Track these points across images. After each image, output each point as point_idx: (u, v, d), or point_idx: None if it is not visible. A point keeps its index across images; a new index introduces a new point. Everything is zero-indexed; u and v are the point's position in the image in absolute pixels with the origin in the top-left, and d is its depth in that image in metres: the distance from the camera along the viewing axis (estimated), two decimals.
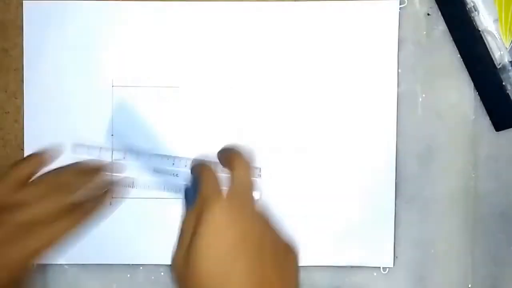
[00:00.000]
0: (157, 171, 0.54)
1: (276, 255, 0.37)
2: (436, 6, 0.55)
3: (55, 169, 0.48)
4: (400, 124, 0.55)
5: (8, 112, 0.56)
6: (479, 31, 0.54)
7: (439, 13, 0.55)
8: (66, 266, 0.56)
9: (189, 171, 0.41)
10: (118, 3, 0.55)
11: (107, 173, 0.51)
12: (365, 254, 0.55)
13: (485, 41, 0.54)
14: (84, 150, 0.55)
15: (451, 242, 0.56)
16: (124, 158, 0.55)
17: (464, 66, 0.55)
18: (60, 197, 0.46)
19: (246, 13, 0.55)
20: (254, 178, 0.39)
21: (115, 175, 0.54)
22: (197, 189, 0.38)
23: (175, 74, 0.55)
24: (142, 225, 0.55)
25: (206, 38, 0.55)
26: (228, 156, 0.40)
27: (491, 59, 0.54)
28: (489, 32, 0.54)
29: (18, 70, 0.55)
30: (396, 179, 0.55)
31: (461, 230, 0.56)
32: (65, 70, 0.55)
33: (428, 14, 0.55)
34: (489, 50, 0.54)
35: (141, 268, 0.56)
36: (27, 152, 0.55)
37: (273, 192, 0.55)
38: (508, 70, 0.54)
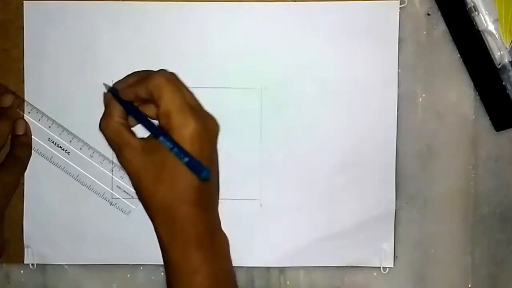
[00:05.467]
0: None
1: None
2: (436, 6, 0.55)
3: None
4: (400, 124, 0.55)
5: None
6: (479, 31, 0.54)
7: (439, 13, 0.55)
8: (66, 266, 0.56)
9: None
10: (118, 4, 0.55)
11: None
12: (365, 254, 0.55)
13: (485, 41, 0.54)
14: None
15: (451, 242, 0.56)
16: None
17: (464, 66, 0.55)
18: None
19: (245, 14, 0.55)
20: None
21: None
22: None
23: None
24: (142, 225, 0.55)
25: (207, 38, 0.55)
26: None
27: (491, 59, 0.54)
28: (489, 32, 0.54)
29: (18, 70, 0.55)
30: (396, 179, 0.55)
31: (461, 230, 0.56)
32: (65, 70, 0.55)
33: (428, 14, 0.55)
34: (489, 50, 0.54)
35: (141, 268, 0.56)
36: None
37: (273, 192, 0.55)
38: (508, 70, 0.54)
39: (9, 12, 0.55)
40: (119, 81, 0.50)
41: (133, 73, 0.50)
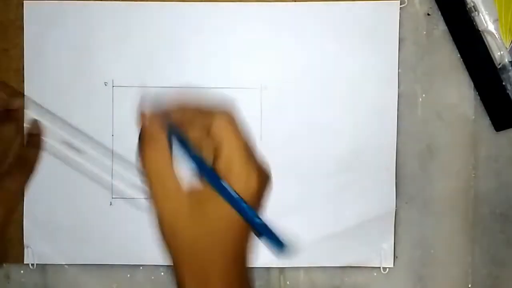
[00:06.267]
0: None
1: None
2: (436, 6, 0.55)
3: None
4: (400, 124, 0.55)
5: None
6: (479, 31, 0.54)
7: (439, 13, 0.55)
8: (66, 266, 0.56)
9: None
10: (118, 4, 0.55)
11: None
12: (365, 254, 0.55)
13: (485, 41, 0.54)
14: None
15: (451, 242, 0.56)
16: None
17: (464, 66, 0.55)
18: None
19: (246, 14, 0.55)
20: None
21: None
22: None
23: (175, 75, 0.55)
24: (142, 225, 0.55)
25: (207, 38, 0.55)
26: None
27: (491, 59, 0.54)
28: (489, 32, 0.54)
29: (18, 70, 0.55)
30: (396, 179, 0.55)
31: (461, 230, 0.56)
32: (65, 70, 0.55)
33: (428, 14, 0.55)
34: (489, 50, 0.54)
35: (141, 268, 0.56)
36: None
37: (273, 192, 0.55)
38: (508, 70, 0.54)
39: (9, 12, 0.55)
40: (173, 110, 0.41)
41: (186, 103, 0.42)
